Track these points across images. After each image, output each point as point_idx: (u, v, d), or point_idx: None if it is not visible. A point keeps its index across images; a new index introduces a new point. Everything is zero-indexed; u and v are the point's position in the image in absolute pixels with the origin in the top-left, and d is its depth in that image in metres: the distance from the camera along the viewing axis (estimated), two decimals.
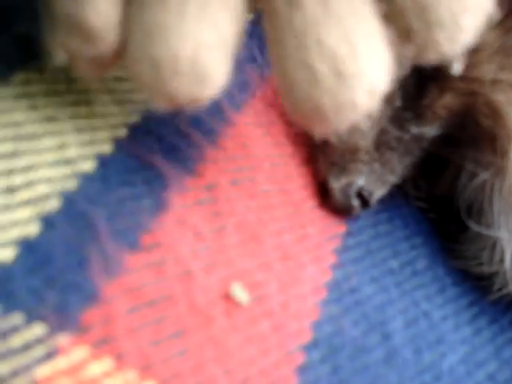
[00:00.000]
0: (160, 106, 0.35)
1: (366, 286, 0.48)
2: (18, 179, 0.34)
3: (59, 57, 0.36)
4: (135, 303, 0.34)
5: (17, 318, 0.30)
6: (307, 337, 0.41)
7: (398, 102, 0.51)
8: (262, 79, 0.55)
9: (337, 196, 0.50)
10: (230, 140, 0.46)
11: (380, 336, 0.45)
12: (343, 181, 0.50)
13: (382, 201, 0.55)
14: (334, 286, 0.45)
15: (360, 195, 0.51)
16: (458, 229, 0.56)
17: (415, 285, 0.51)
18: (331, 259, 0.47)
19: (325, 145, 0.51)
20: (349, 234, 0.51)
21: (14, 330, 0.30)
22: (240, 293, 0.38)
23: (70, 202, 0.35)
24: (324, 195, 0.51)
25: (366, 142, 0.51)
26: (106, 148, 0.38)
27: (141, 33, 0.33)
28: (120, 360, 0.32)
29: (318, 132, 0.37)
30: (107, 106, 0.40)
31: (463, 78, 0.49)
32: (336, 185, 0.50)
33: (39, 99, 0.37)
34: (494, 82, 0.49)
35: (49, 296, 0.32)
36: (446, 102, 0.51)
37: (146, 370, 0.33)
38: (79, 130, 0.38)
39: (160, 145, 0.41)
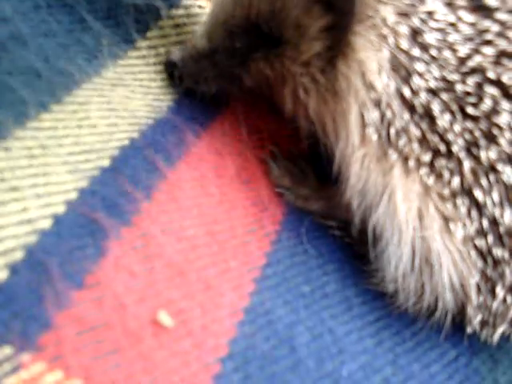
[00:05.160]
0: None
1: (279, 308, 0.59)
2: None
3: None
4: (80, 329, 0.45)
5: None
6: (223, 351, 0.52)
7: None
8: (197, 136, 0.66)
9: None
10: (163, 194, 0.57)
11: (288, 349, 0.56)
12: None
13: (299, 234, 0.67)
14: (251, 310, 0.57)
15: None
16: (368, 251, 0.67)
17: (323, 306, 0.62)
18: (250, 287, 0.58)
19: None
20: (268, 265, 0.62)
21: None
22: (165, 318, 0.49)
23: (30, 253, 0.46)
24: None
25: None
26: (60, 209, 0.49)
27: None
28: (68, 372, 0.43)
29: None
30: (62, 176, 0.51)
31: None
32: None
33: (6, 173, 0.49)
34: None
35: (14, 325, 0.43)
36: None
37: (88, 379, 0.44)
38: (38, 196, 0.49)
39: (103, 203, 0.52)
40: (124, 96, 0.63)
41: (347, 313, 0.64)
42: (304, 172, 0.74)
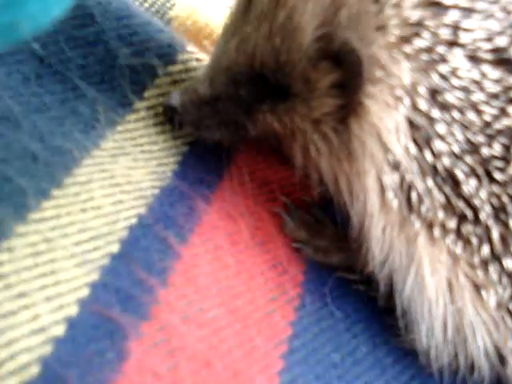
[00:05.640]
0: None
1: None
2: (2, 354, 0.42)
3: None
4: None
5: None
6: None
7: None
8: (207, 202, 0.62)
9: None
10: (179, 276, 0.53)
11: None
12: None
13: (323, 295, 0.63)
14: None
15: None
16: (395, 305, 0.63)
17: (356, 374, 0.59)
18: (279, 366, 0.55)
19: None
20: (295, 336, 0.58)
21: None
22: None
23: (47, 367, 0.42)
24: None
25: None
26: (73, 310, 0.46)
27: None
28: None
29: None
30: (71, 271, 0.48)
31: None
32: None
33: (12, 278, 0.45)
34: None
35: None
36: None
37: None
38: (48, 299, 0.45)
39: (118, 297, 0.48)
40: (126, 167, 0.59)
41: (381, 377, 0.60)
42: (320, 221, 0.70)
